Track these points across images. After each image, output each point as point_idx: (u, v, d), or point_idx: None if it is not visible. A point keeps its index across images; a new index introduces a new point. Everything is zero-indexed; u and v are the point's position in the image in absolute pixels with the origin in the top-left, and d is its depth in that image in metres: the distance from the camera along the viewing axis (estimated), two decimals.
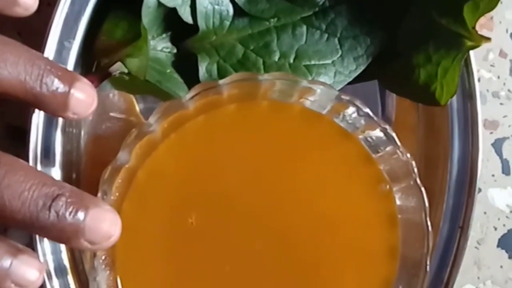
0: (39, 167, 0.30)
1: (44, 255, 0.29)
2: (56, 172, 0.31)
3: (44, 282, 0.29)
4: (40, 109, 0.26)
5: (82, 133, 0.33)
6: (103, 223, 0.25)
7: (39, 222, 0.24)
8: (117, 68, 0.30)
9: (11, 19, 0.27)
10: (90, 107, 0.27)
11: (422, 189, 0.29)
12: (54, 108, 0.26)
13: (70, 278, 0.31)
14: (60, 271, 0.30)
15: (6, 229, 0.34)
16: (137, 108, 0.34)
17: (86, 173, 0.33)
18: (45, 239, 0.29)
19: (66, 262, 0.31)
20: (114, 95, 0.34)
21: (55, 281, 0.30)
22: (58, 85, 0.25)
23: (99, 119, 0.33)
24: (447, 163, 0.34)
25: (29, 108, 0.30)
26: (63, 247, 0.30)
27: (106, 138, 0.33)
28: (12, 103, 0.33)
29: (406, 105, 0.35)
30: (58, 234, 0.25)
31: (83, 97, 0.26)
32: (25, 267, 0.24)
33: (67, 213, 0.24)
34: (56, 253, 0.30)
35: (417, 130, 0.36)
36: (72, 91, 0.26)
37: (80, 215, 0.25)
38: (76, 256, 0.31)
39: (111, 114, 0.34)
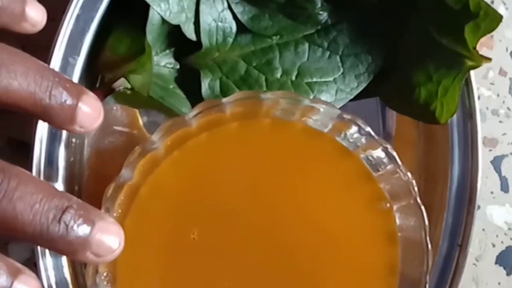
0: None
1: (46, 270, 0.30)
2: (59, 186, 0.31)
3: None
4: (47, 121, 0.26)
5: (85, 146, 0.33)
6: (108, 235, 0.25)
7: (49, 234, 0.24)
8: (121, 83, 0.31)
9: (15, 34, 0.27)
10: (97, 120, 0.26)
11: (422, 208, 0.30)
12: (61, 121, 0.26)
13: None
14: (62, 286, 0.30)
15: (7, 243, 0.34)
16: (141, 122, 0.34)
17: (89, 186, 0.33)
18: (47, 254, 0.30)
19: (67, 276, 0.31)
20: (117, 109, 0.34)
21: None
22: (66, 97, 0.25)
23: (102, 132, 0.33)
24: (447, 180, 0.34)
25: (32, 121, 0.30)
26: (64, 262, 0.30)
27: (109, 152, 0.34)
28: (14, 117, 0.33)
29: (407, 121, 0.36)
30: (65, 246, 0.25)
31: (90, 110, 0.26)
32: (25, 287, 0.24)
33: (76, 226, 0.24)
34: (57, 268, 0.30)
35: (417, 145, 0.36)
36: (79, 104, 0.26)
37: (87, 228, 0.25)
38: (77, 271, 0.31)
39: (115, 127, 0.34)
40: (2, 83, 0.24)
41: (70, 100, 0.25)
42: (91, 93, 0.26)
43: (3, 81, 0.24)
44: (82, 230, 0.25)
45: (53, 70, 0.26)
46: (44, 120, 0.26)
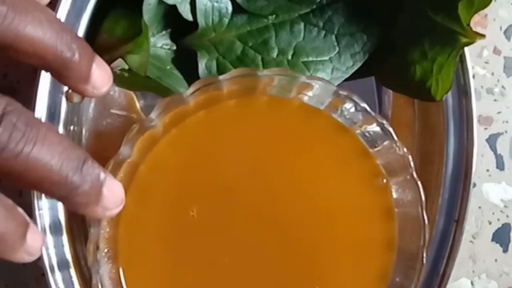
0: None
1: (46, 249, 0.30)
2: None
3: (46, 276, 0.30)
4: (62, 78, 0.26)
5: (84, 130, 0.34)
6: (116, 189, 0.26)
7: (72, 183, 0.24)
8: (118, 64, 0.31)
9: None
10: (108, 83, 0.27)
11: (419, 182, 0.30)
12: (77, 77, 0.26)
13: (72, 271, 0.31)
14: (63, 264, 0.31)
15: None
16: (138, 105, 0.34)
17: None
18: (48, 233, 0.30)
19: (68, 256, 0.31)
20: (115, 91, 0.34)
21: (58, 274, 0.30)
22: (83, 52, 0.25)
23: (100, 115, 0.34)
24: (443, 159, 0.34)
25: (31, 101, 0.30)
26: (65, 241, 0.31)
27: (107, 134, 0.34)
28: (13, 97, 0.33)
29: (402, 102, 0.36)
30: (83, 197, 0.25)
31: (103, 71, 0.26)
32: (35, 236, 0.25)
33: (93, 177, 0.25)
34: (58, 247, 0.31)
35: (413, 126, 0.36)
36: (94, 65, 0.26)
37: (101, 180, 0.25)
38: (77, 249, 0.31)
39: (112, 110, 0.34)
40: (27, 29, 0.24)
41: (86, 56, 0.25)
42: (99, 58, 0.26)
43: (27, 26, 0.24)
44: (97, 181, 0.25)
45: (69, 27, 0.26)
46: (60, 77, 0.26)
